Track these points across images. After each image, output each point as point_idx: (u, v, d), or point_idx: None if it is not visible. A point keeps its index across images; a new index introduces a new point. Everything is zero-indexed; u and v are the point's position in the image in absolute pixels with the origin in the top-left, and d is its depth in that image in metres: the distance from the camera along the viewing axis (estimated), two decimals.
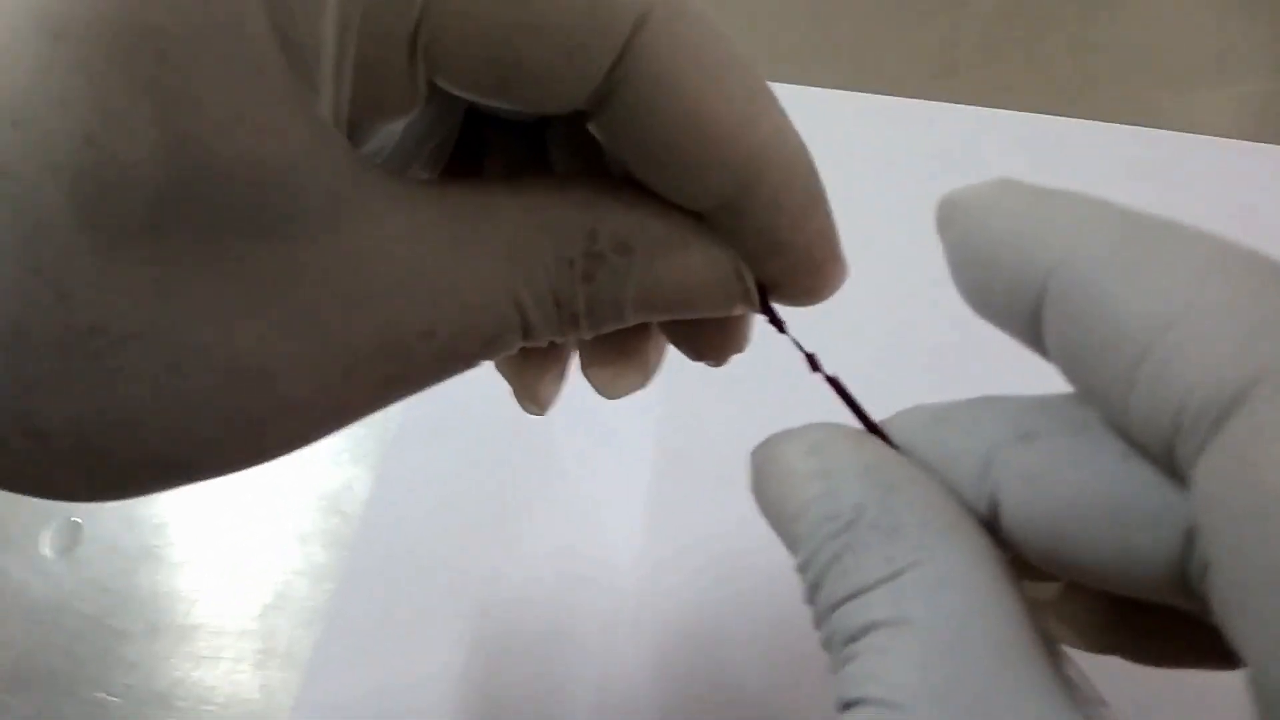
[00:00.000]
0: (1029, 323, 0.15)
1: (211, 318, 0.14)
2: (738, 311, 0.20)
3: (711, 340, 0.22)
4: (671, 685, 0.33)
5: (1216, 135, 0.44)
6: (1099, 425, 0.15)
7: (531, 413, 0.25)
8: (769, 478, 0.17)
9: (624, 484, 0.38)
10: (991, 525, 0.15)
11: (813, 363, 0.20)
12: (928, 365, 0.39)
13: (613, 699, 0.33)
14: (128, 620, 0.37)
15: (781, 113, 0.18)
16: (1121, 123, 0.44)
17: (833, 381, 0.19)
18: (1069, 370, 0.15)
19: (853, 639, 0.14)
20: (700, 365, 0.22)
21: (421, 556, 0.37)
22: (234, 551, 0.38)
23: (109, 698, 0.35)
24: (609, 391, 0.24)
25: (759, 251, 0.19)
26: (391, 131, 0.19)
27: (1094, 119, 0.44)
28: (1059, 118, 0.45)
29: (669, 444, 0.39)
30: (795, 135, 0.18)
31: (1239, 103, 0.46)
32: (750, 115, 0.17)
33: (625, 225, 0.18)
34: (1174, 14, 0.49)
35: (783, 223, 0.18)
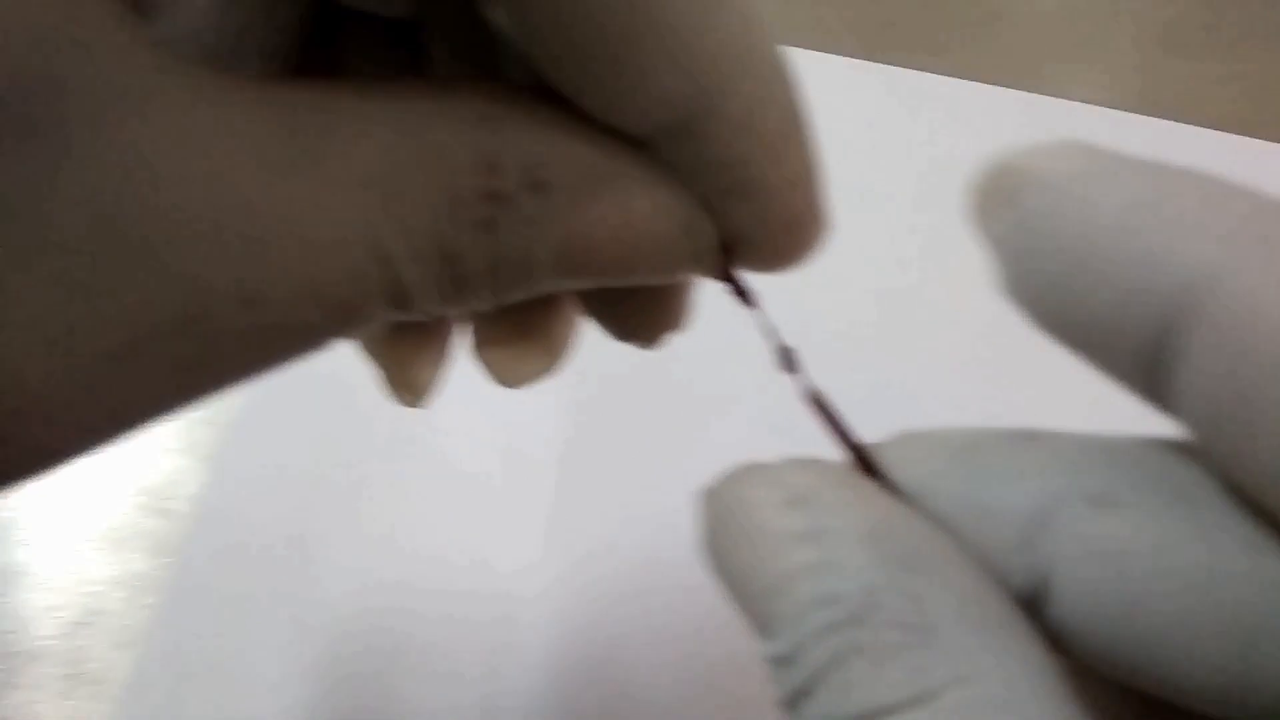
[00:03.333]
0: (1141, 352, 0.11)
1: None
2: (685, 276, 0.15)
3: (644, 314, 0.18)
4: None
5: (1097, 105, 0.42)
6: (1213, 493, 0.11)
7: (405, 404, 0.20)
8: (732, 535, 0.13)
9: (515, 482, 0.34)
10: (1033, 608, 0.12)
11: (787, 359, 0.15)
12: (930, 372, 0.36)
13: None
14: None
15: (755, 6, 0.13)
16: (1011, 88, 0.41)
17: (813, 397, 0.15)
18: (1214, 424, 0.11)
19: None
20: (621, 345, 0.18)
21: (262, 566, 0.32)
22: (35, 557, 0.33)
23: None
24: (507, 379, 0.19)
25: (720, 194, 0.14)
26: (197, 10, 0.14)
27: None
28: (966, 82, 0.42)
29: (575, 436, 0.35)
30: (771, 37, 0.14)
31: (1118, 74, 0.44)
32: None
33: (539, 153, 0.13)
34: None
35: (755, 153, 0.14)
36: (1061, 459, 0.12)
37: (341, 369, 0.35)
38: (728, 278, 0.15)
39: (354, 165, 0.12)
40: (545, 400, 0.35)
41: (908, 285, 0.38)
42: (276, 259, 0.12)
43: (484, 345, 0.19)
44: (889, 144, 0.41)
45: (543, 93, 0.14)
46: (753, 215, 0.15)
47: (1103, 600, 0.12)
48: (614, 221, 0.14)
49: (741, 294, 0.16)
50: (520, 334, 0.19)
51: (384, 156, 0.13)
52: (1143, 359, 0.11)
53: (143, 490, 0.34)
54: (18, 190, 0.10)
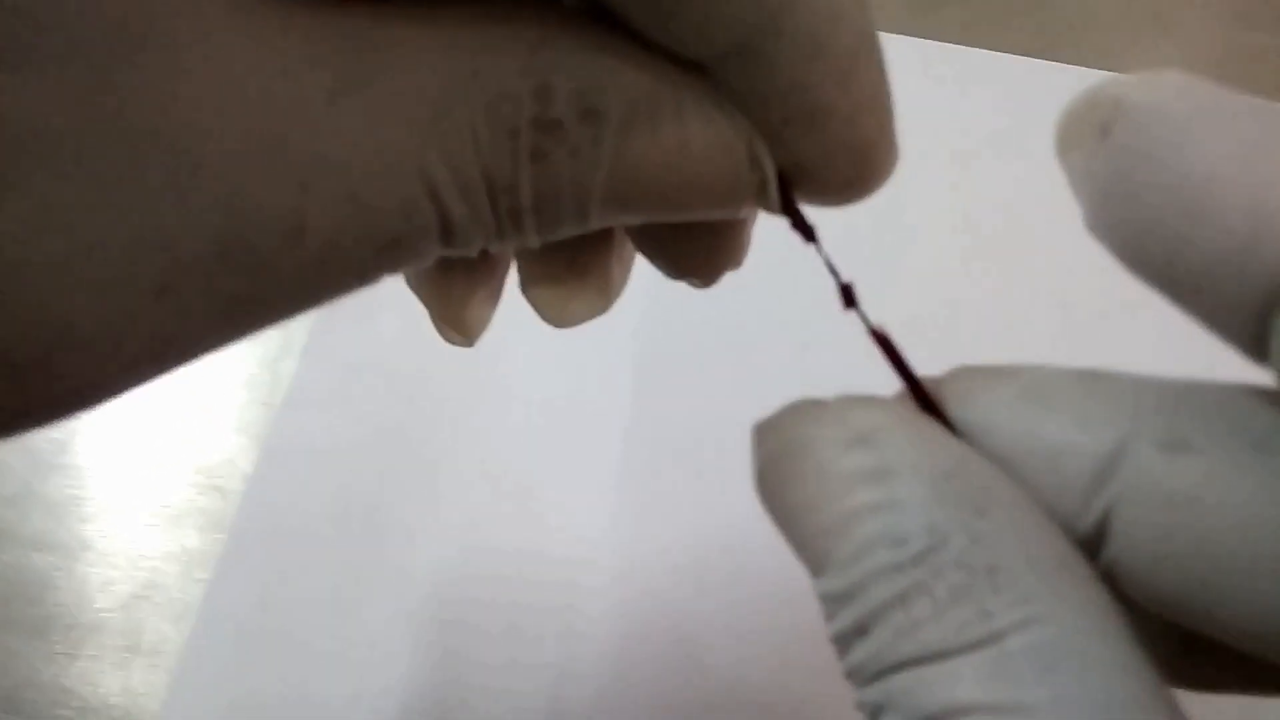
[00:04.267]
0: (1250, 307, 0.11)
1: None
2: (746, 211, 0.14)
3: (700, 250, 0.17)
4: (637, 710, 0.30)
5: None
6: None
7: (454, 343, 0.20)
8: (791, 472, 0.13)
9: (578, 460, 0.33)
10: (1088, 547, 0.12)
11: (847, 296, 0.15)
12: (986, 312, 0.34)
13: (566, 706, 0.30)
14: None
15: None
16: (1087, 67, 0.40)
17: (876, 334, 0.14)
18: None
19: None
20: (679, 285, 0.17)
21: (311, 543, 0.32)
22: (96, 533, 0.34)
23: None
24: (558, 318, 0.19)
25: (785, 121, 0.13)
26: None
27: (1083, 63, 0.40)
28: (1031, 59, 0.40)
29: (643, 402, 0.34)
30: None
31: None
32: None
33: (593, 79, 0.13)
34: None
35: (824, 76, 0.13)
36: (1131, 401, 0.12)
37: (393, 352, 0.35)
38: (789, 211, 0.15)
39: (404, 93, 0.12)
40: (610, 364, 0.35)
41: (967, 238, 0.37)
42: (323, 188, 0.12)
43: (533, 283, 0.19)
44: (952, 122, 0.40)
45: (598, 14, 0.13)
46: (819, 144, 0.14)
47: (1167, 544, 0.11)
48: (669, 151, 0.13)
49: (802, 228, 0.15)
50: (571, 271, 0.18)
51: (434, 84, 0.12)
52: (1246, 311, 0.11)
53: (199, 469, 0.35)
54: (45, 112, 0.10)
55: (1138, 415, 0.12)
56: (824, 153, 0.14)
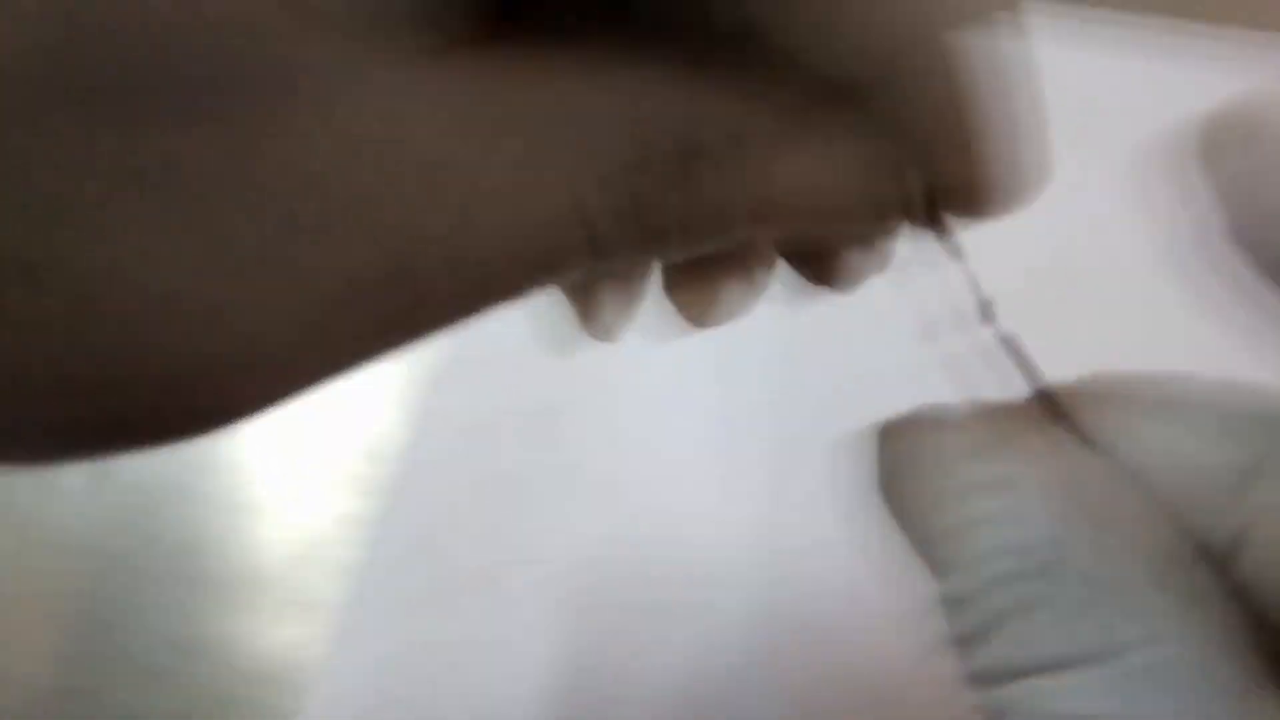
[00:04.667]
0: None
1: (127, 235, 0.11)
2: (889, 227, 0.15)
3: (841, 258, 0.17)
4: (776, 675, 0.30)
5: None
6: None
7: (597, 339, 0.20)
8: (915, 478, 0.13)
9: (724, 456, 0.34)
10: (1221, 566, 0.11)
11: (986, 311, 0.15)
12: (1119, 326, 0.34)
13: (702, 686, 0.30)
14: (150, 561, 0.34)
15: None
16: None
17: (1009, 343, 0.14)
18: None
19: None
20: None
21: (465, 511, 0.34)
22: (262, 494, 0.35)
23: (127, 642, 0.33)
24: (698, 319, 0.19)
25: (930, 144, 0.14)
26: None
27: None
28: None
29: (788, 405, 0.34)
30: None
31: None
32: None
33: (739, 104, 0.13)
34: None
35: (966, 103, 0.13)
36: (1271, 417, 0.12)
37: (543, 325, 0.36)
38: (935, 226, 0.15)
39: (556, 126, 0.13)
40: (756, 369, 0.35)
41: (1112, 237, 0.36)
42: (481, 220, 0.12)
43: (674, 285, 0.19)
44: (1110, 97, 0.38)
45: (747, 40, 0.13)
46: (964, 165, 0.14)
47: None
48: (814, 172, 0.14)
49: (949, 246, 0.15)
50: (712, 274, 0.18)
51: (586, 116, 0.13)
52: None
53: (360, 437, 0.36)
54: (226, 153, 0.11)
55: (1277, 432, 0.12)
56: (969, 173, 0.14)
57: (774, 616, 0.31)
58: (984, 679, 0.11)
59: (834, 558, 0.31)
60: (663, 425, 0.34)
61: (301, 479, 0.36)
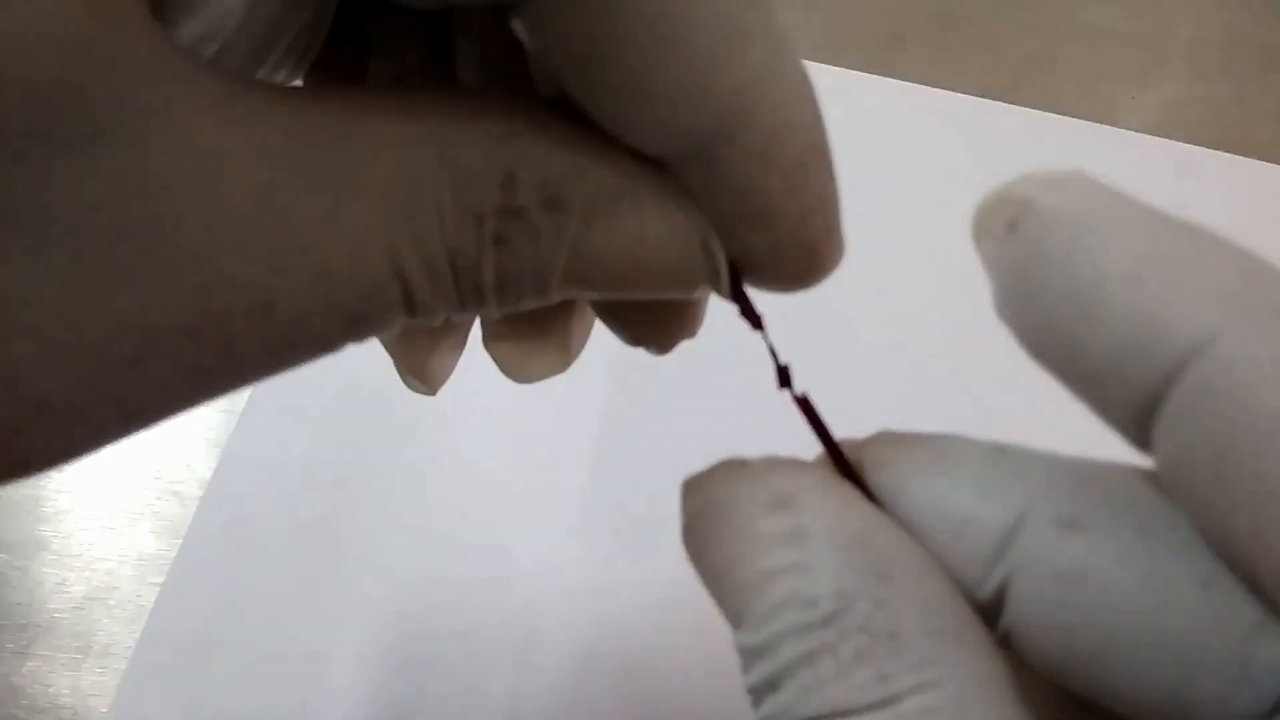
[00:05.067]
0: (1133, 404, 0.11)
1: None
2: (699, 295, 0.15)
3: (656, 322, 0.18)
4: None
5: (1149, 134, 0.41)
6: (1175, 526, 0.12)
7: (418, 392, 0.20)
8: (713, 530, 0.13)
9: (541, 486, 0.34)
10: (988, 613, 0.12)
11: (784, 377, 0.15)
12: (920, 382, 0.36)
13: None
14: None
15: (781, 29, 0.13)
16: (1067, 114, 0.41)
17: (803, 404, 0.15)
18: (1191, 483, 0.11)
19: None
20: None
21: (266, 550, 0.33)
22: (52, 533, 0.34)
23: None
24: (519, 374, 0.20)
25: (736, 219, 0.14)
26: (227, 10, 0.14)
27: (1041, 108, 0.41)
28: (1004, 104, 0.41)
29: (609, 435, 0.35)
30: (798, 63, 0.14)
31: (1172, 103, 0.43)
32: (744, 26, 0.13)
33: (557, 170, 0.13)
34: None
35: (774, 182, 0.14)
36: (1033, 477, 0.13)
37: (356, 366, 0.36)
38: (737, 298, 0.15)
39: (374, 179, 0.12)
40: (578, 395, 0.35)
41: (909, 294, 0.38)
42: (293, 269, 0.12)
43: (496, 339, 0.19)
44: (898, 159, 0.40)
45: (563, 108, 0.14)
46: (767, 242, 0.14)
47: (1057, 615, 0.12)
48: (627, 239, 0.14)
49: (750, 316, 0.16)
50: (532, 331, 0.19)
51: (404, 172, 0.13)
52: (1130, 408, 0.11)
53: (157, 474, 0.35)
54: (28, 198, 0.11)
55: (1037, 492, 0.12)
56: (772, 248, 0.15)
57: (593, 662, 0.31)
58: None
59: (656, 601, 0.32)
60: (480, 466, 0.35)
61: (96, 517, 0.34)
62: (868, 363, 0.36)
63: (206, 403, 0.13)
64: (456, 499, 0.34)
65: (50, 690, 0.31)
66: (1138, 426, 0.12)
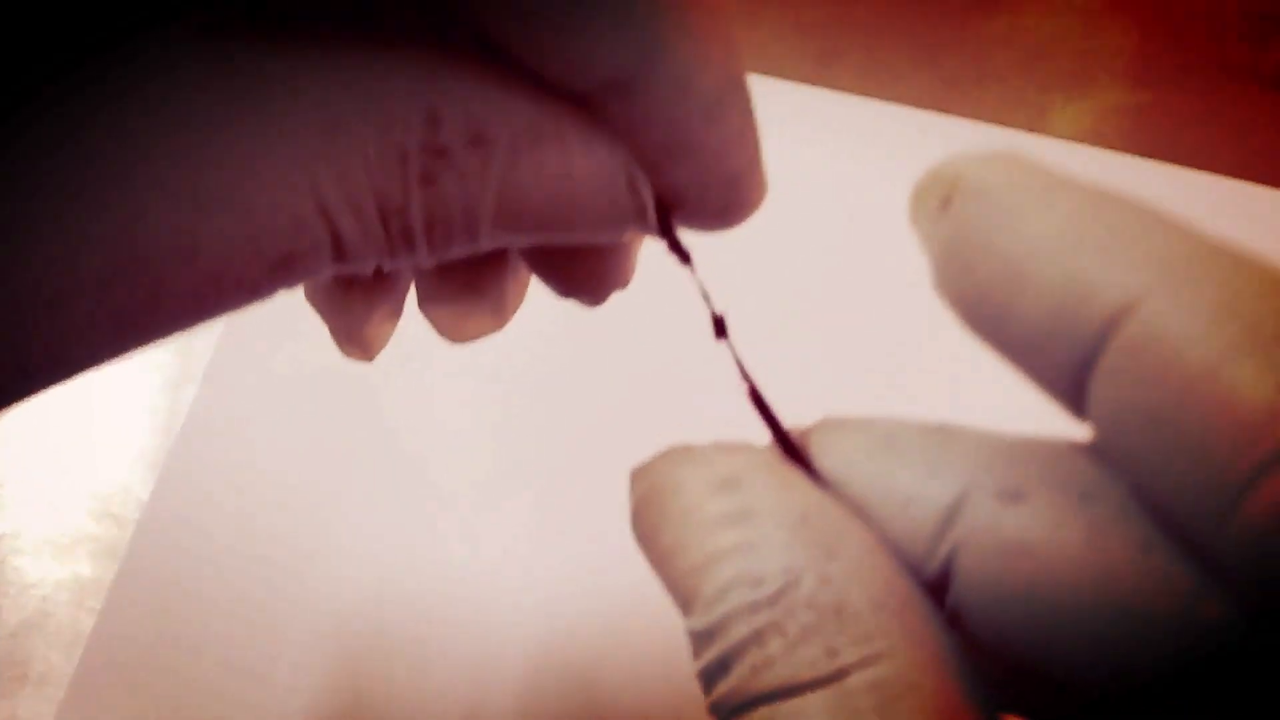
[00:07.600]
0: (1066, 370, 0.11)
1: None
2: (628, 234, 0.15)
3: (588, 271, 0.18)
4: None
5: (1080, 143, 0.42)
6: (1114, 494, 0.12)
7: (353, 358, 0.20)
8: (660, 514, 0.13)
9: (486, 494, 0.34)
10: (935, 590, 0.13)
11: (719, 325, 0.15)
12: (864, 361, 0.35)
13: None
14: None
15: None
16: (1005, 125, 0.41)
17: (746, 382, 0.15)
18: (1126, 447, 0.11)
19: None
20: (569, 304, 0.18)
21: (206, 574, 0.32)
22: None
23: None
24: (455, 335, 0.20)
25: (659, 152, 0.14)
26: None
27: (980, 118, 0.42)
28: (944, 116, 0.42)
29: (557, 436, 0.34)
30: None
31: (1107, 112, 0.43)
32: None
33: (480, 107, 0.13)
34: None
35: (693, 112, 0.14)
36: (974, 454, 0.13)
37: (294, 382, 0.35)
38: (666, 235, 0.15)
39: (296, 118, 0.12)
40: (523, 395, 0.35)
41: (843, 280, 0.38)
42: (215, 210, 0.12)
43: (430, 300, 0.19)
44: (830, 170, 0.41)
45: (484, 48, 0.14)
46: (690, 174, 0.15)
47: (1002, 587, 0.12)
48: (554, 177, 0.14)
49: (679, 252, 0.16)
50: (467, 290, 0.19)
51: (326, 109, 0.13)
52: (1064, 374, 0.12)
53: (93, 496, 0.34)
54: None
55: (979, 467, 0.13)
56: (696, 182, 0.15)
57: (546, 674, 0.31)
58: (725, 709, 0.12)
59: (605, 597, 0.32)
60: (425, 479, 0.34)
61: (30, 542, 0.33)
62: (813, 359, 0.36)
63: (136, 348, 0.13)
64: (402, 514, 0.34)
65: None
66: (1073, 393, 0.12)
